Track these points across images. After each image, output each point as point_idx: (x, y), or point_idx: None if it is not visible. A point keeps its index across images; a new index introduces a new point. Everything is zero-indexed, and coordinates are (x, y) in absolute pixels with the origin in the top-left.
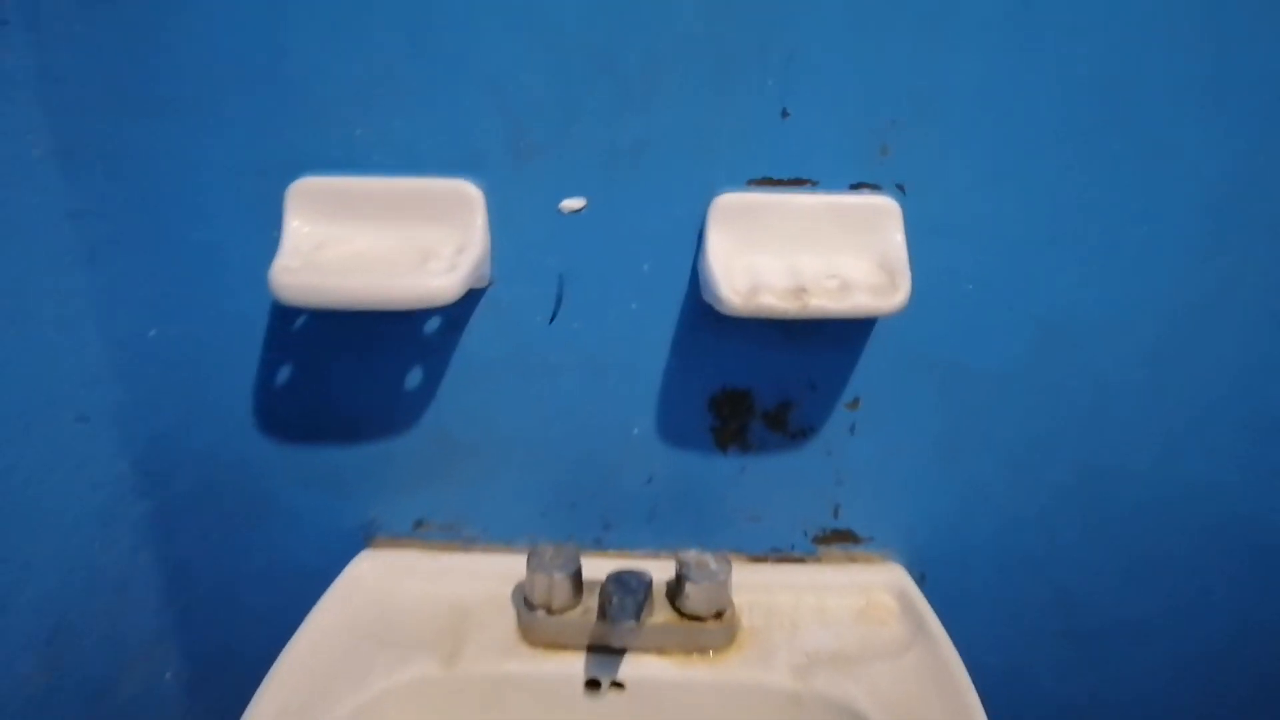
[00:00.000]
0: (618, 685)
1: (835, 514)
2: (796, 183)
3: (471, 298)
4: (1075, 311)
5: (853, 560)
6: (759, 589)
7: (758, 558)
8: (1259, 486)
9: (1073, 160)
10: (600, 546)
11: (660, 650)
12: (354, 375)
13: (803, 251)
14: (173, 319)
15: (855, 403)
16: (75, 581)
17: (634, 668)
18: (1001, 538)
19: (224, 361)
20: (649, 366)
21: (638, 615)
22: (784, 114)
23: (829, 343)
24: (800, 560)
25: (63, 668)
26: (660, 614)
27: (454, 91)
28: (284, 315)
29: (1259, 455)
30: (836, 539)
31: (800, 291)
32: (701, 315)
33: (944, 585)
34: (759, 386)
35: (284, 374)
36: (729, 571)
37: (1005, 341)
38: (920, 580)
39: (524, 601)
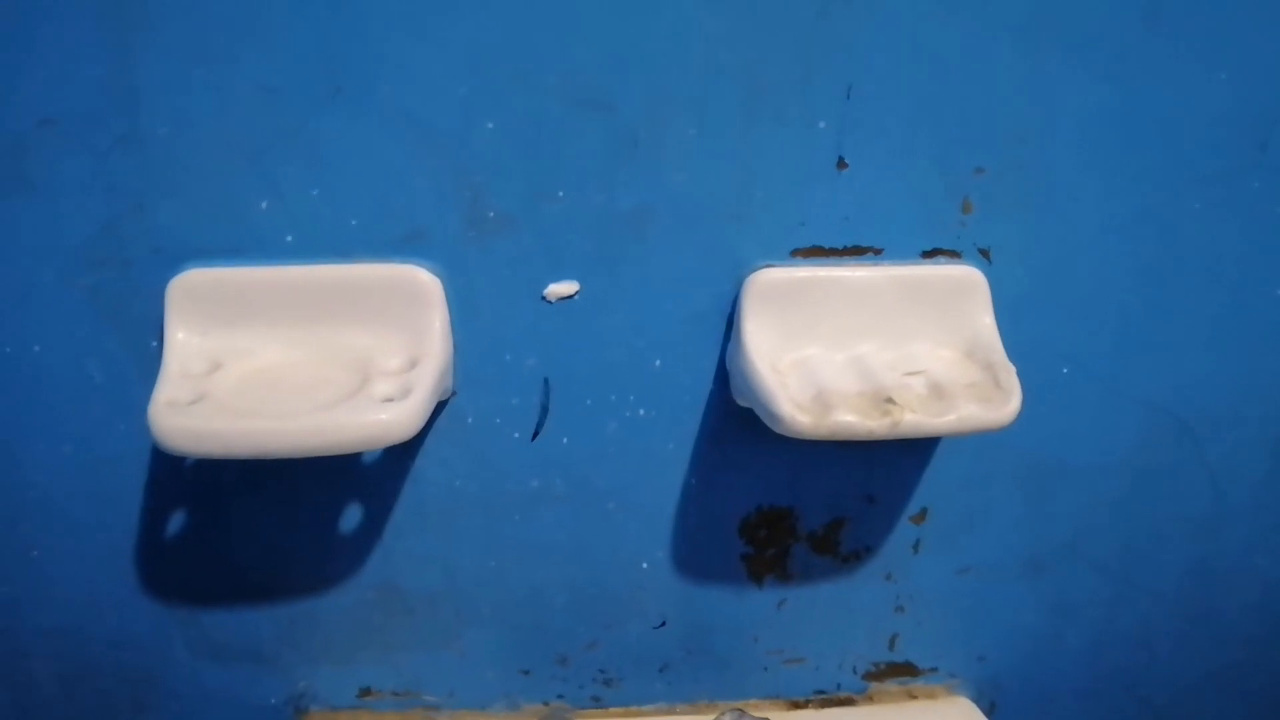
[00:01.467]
0: None
1: (891, 645)
2: (855, 251)
3: None
4: (1192, 394)
5: (911, 697)
6: None
7: (797, 704)
8: None
9: (1200, 215)
10: (600, 705)
11: None
12: (269, 520)
13: (866, 340)
14: None
15: (922, 515)
16: None
17: None
18: (1090, 656)
19: (82, 513)
20: (662, 486)
21: None
22: (840, 164)
23: (893, 444)
24: (849, 702)
25: None
26: None
27: (391, 147)
28: (163, 452)
29: None
30: (892, 673)
31: (885, 402)
32: (730, 419)
33: (1018, 714)
34: (804, 503)
35: (174, 524)
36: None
37: (1107, 432)
38: (990, 711)
39: None
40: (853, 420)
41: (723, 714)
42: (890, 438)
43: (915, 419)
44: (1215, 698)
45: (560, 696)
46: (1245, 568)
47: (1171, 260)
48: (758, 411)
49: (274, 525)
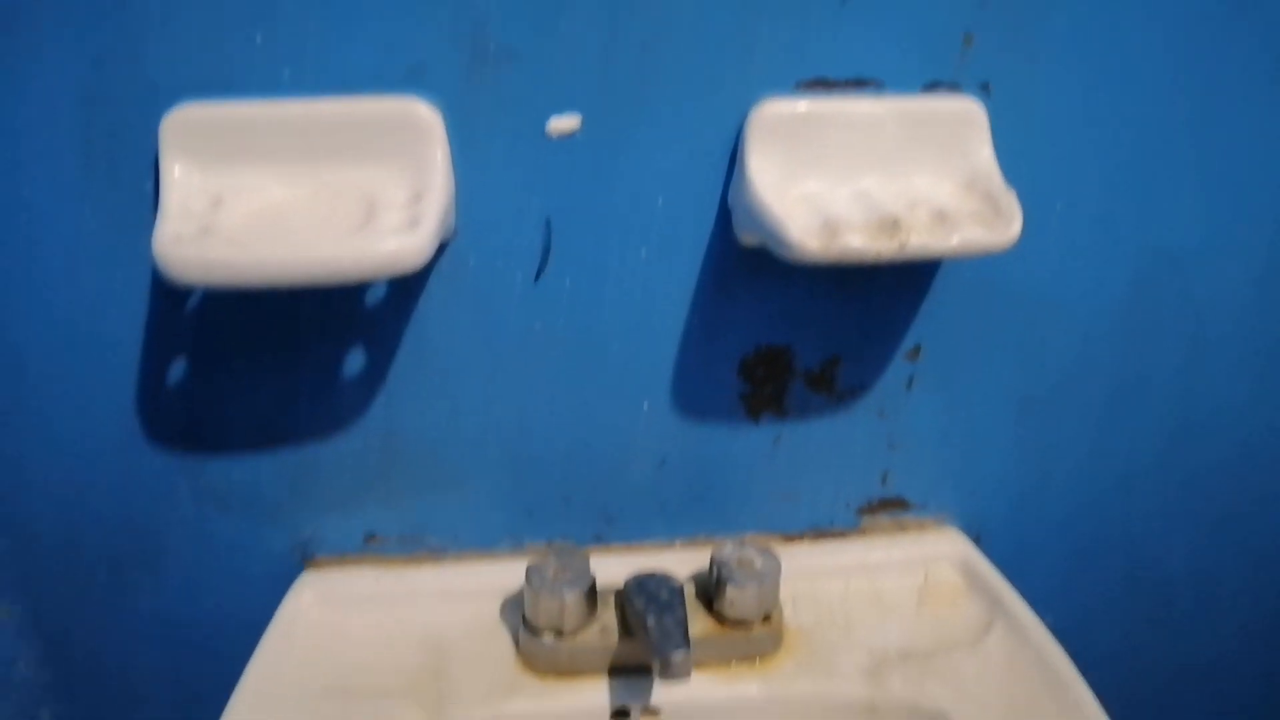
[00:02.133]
0: (651, 713)
1: (884, 481)
2: (857, 84)
3: None
4: (1184, 235)
5: (902, 529)
6: (800, 576)
7: (792, 537)
8: None
9: (1209, 53)
10: (602, 541)
11: (697, 664)
12: (271, 367)
13: (868, 172)
14: None
15: (915, 351)
16: None
17: (669, 689)
18: (1075, 496)
19: (81, 365)
20: (664, 326)
21: (687, 639)
22: None
23: (889, 282)
24: (842, 535)
25: None
26: (696, 623)
27: None
28: (164, 299)
29: None
30: (883, 508)
31: (891, 226)
32: (731, 258)
33: (1001, 546)
34: (801, 341)
35: (175, 373)
36: (778, 568)
37: (1104, 273)
38: (976, 542)
39: (524, 624)
40: (860, 243)
41: (722, 545)
42: (897, 260)
43: (921, 241)
44: (1194, 537)
45: (563, 535)
46: (1225, 408)
47: (1165, 99)
48: (766, 240)
49: (276, 372)
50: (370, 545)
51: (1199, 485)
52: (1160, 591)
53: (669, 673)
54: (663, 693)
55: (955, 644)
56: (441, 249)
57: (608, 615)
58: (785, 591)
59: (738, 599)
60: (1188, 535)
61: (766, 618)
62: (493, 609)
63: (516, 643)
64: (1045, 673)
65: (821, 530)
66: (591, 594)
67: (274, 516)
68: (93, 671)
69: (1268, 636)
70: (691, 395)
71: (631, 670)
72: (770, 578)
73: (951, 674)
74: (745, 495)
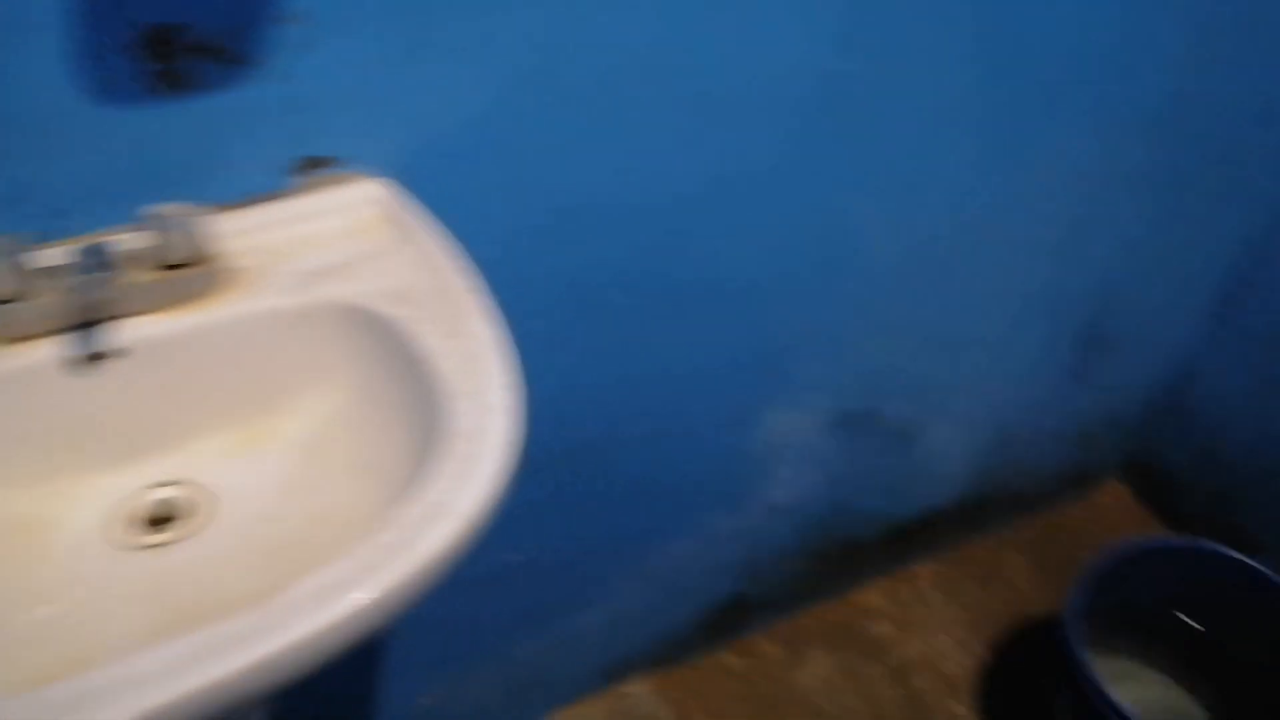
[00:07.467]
0: (121, 354)
1: (305, 142)
2: None
3: None
4: None
5: (336, 183)
6: (241, 235)
7: (230, 206)
8: None
9: None
10: (51, 238)
11: (152, 310)
12: None
13: None
14: None
15: (296, 16)
16: None
17: (122, 333)
18: (475, 131)
19: None
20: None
21: (107, 267)
22: None
23: None
24: (279, 197)
25: None
26: (136, 274)
27: None
28: None
29: None
30: (312, 167)
31: None
32: None
33: (427, 192)
34: (190, 18)
35: None
36: (200, 213)
37: None
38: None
39: None
40: None
41: (153, 209)
42: None
43: None
44: (584, 146)
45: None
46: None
47: None
48: None
49: None
50: None
51: (574, 101)
52: (573, 213)
53: (94, 293)
54: (126, 334)
55: (369, 258)
56: None
57: (54, 281)
58: (229, 247)
59: (167, 243)
60: (580, 149)
61: (201, 260)
62: None
63: None
64: (433, 270)
65: (257, 196)
66: (29, 263)
67: None
68: None
69: (668, 250)
70: (92, 82)
71: (86, 326)
72: (193, 224)
73: (363, 278)
74: (183, 174)
